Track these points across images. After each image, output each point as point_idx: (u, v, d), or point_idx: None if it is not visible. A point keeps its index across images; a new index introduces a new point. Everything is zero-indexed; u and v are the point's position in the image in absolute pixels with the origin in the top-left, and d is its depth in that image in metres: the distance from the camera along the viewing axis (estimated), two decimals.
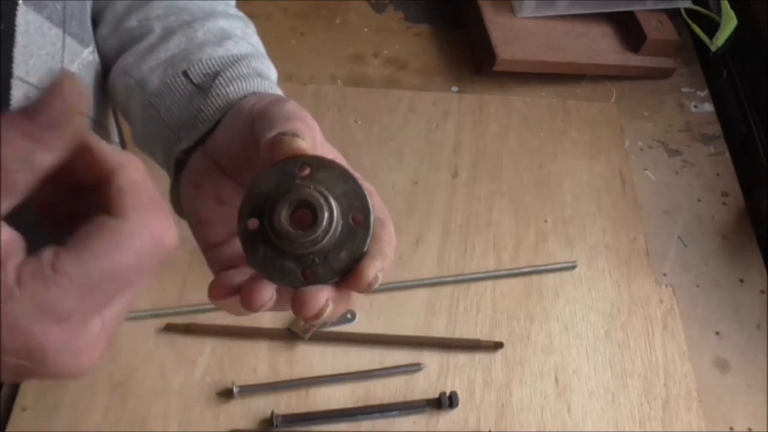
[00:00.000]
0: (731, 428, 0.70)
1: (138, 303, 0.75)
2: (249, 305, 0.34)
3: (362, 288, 0.33)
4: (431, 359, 0.73)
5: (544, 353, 0.74)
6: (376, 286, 0.33)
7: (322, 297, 0.33)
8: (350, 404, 0.69)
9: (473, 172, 0.89)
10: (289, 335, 0.73)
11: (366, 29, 1.06)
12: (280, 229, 0.32)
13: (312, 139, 0.35)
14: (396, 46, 1.04)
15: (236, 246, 0.38)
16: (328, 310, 0.33)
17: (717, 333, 0.77)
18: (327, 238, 0.33)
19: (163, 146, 0.46)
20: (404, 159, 0.89)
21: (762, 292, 0.80)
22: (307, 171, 0.33)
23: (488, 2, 1.01)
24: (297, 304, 0.33)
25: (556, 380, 0.72)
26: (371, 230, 0.33)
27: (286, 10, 1.07)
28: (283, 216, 0.32)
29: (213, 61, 0.47)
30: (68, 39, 0.47)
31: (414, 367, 0.72)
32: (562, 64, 0.98)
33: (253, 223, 0.33)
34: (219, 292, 0.36)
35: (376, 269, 0.33)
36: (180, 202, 0.44)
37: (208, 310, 0.75)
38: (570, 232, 0.84)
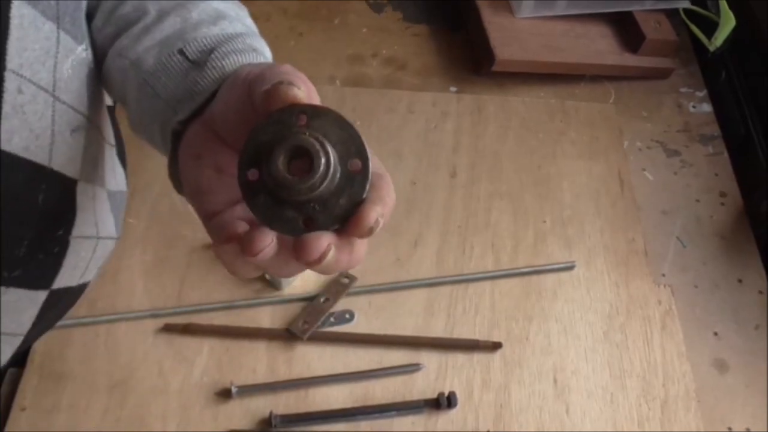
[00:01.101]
0: (730, 429, 0.70)
1: (136, 303, 0.75)
2: (249, 250, 0.34)
3: (363, 232, 0.33)
4: (430, 359, 0.73)
5: (543, 354, 0.74)
6: (377, 230, 0.33)
7: (324, 242, 0.33)
8: (349, 404, 0.69)
9: (472, 173, 0.89)
10: (288, 335, 0.73)
11: (365, 29, 1.06)
12: (277, 177, 0.32)
13: (309, 90, 0.35)
14: (395, 47, 1.04)
15: (237, 212, 0.38)
16: (330, 255, 0.33)
17: (715, 333, 0.77)
18: (325, 184, 0.32)
19: (159, 122, 0.46)
20: (403, 159, 0.89)
21: (760, 292, 0.80)
22: (304, 119, 0.33)
23: (487, 2, 1.01)
24: (299, 250, 0.33)
25: (555, 381, 0.72)
26: (370, 175, 0.33)
27: (285, 11, 1.07)
28: (280, 163, 0.32)
29: (208, 38, 0.47)
30: (62, 35, 0.48)
31: (412, 368, 0.72)
32: (560, 65, 0.98)
33: (253, 174, 0.33)
34: (222, 235, 0.36)
35: (376, 213, 0.33)
36: (178, 177, 0.44)
37: (207, 311, 0.75)
38: (569, 232, 0.84)
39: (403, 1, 1.11)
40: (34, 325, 0.57)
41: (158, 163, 0.74)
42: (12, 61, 0.44)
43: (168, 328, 0.73)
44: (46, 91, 0.47)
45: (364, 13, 1.08)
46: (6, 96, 0.44)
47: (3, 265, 0.49)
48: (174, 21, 0.49)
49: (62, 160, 0.50)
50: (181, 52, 0.47)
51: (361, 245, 0.35)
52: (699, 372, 0.74)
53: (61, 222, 0.53)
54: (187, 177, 0.42)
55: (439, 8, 1.10)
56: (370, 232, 0.33)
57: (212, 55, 0.45)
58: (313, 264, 0.33)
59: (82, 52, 0.51)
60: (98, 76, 0.54)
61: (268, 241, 0.33)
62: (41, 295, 0.54)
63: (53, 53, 0.47)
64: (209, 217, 0.40)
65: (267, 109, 0.34)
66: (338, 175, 0.33)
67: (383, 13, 1.09)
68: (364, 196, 0.33)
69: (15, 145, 0.46)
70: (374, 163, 0.36)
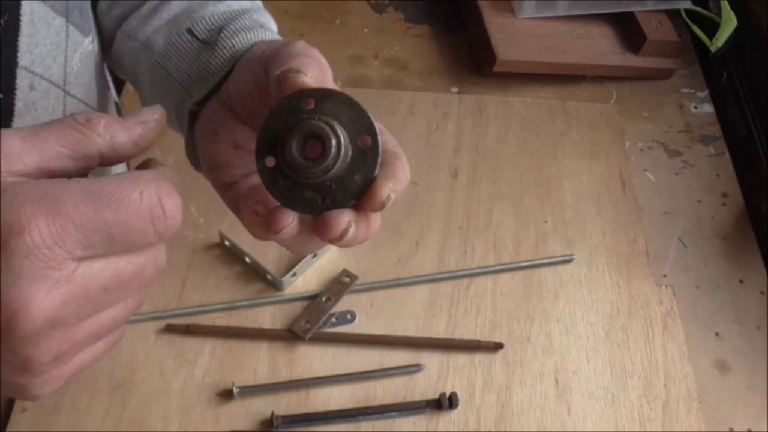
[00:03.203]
0: (731, 429, 0.70)
1: None
2: (272, 227, 0.35)
3: (376, 207, 0.35)
4: (431, 360, 0.73)
5: (544, 354, 0.74)
6: (389, 204, 0.35)
7: (344, 219, 0.34)
8: (350, 405, 0.69)
9: (473, 174, 0.89)
10: (290, 336, 0.73)
11: (366, 30, 1.06)
12: (292, 162, 0.34)
13: (320, 71, 0.36)
14: (396, 47, 1.04)
15: (252, 179, 0.40)
16: (351, 231, 0.35)
17: (717, 334, 0.77)
18: (338, 164, 0.34)
19: (174, 103, 0.47)
20: None
21: (762, 293, 0.80)
22: (312, 103, 0.35)
23: (488, 3, 1.01)
24: (321, 228, 0.34)
25: (556, 381, 0.72)
26: (380, 151, 0.35)
27: (286, 12, 1.07)
28: (294, 149, 0.34)
29: (216, 16, 0.48)
30: (71, 28, 0.48)
31: (414, 368, 0.72)
32: (562, 65, 0.98)
33: (270, 161, 0.35)
34: (246, 217, 0.37)
35: (388, 189, 0.35)
36: (195, 155, 0.46)
37: (208, 311, 0.75)
38: (570, 233, 0.84)
39: (405, 1, 1.11)
40: None
41: None
42: (24, 57, 0.44)
43: (169, 329, 0.73)
44: (58, 86, 0.48)
45: (365, 14, 1.08)
46: (18, 93, 0.44)
47: None
48: (180, 0, 0.49)
49: None
50: (190, 31, 0.47)
51: (376, 218, 0.37)
52: (700, 372, 0.74)
53: None
54: (204, 152, 0.43)
55: (440, 9, 1.10)
56: (382, 206, 0.35)
57: (222, 34, 0.46)
58: (336, 241, 0.35)
59: (89, 44, 0.51)
60: (104, 68, 0.54)
61: (290, 220, 0.35)
62: None
63: (63, 48, 0.47)
64: (226, 187, 0.42)
65: (279, 96, 0.35)
66: (350, 153, 0.34)
67: (384, 14, 1.09)
68: (377, 171, 0.35)
69: None
70: (389, 142, 0.38)
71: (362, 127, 0.35)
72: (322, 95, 0.35)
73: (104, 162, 0.33)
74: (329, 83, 0.38)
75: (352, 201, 0.35)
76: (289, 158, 0.34)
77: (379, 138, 0.35)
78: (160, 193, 0.31)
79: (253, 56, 0.42)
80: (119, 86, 0.84)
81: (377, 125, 0.36)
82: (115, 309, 0.33)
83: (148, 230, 0.31)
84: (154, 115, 0.34)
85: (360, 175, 0.35)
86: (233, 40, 0.46)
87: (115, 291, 0.31)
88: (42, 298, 0.28)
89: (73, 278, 0.29)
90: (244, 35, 0.46)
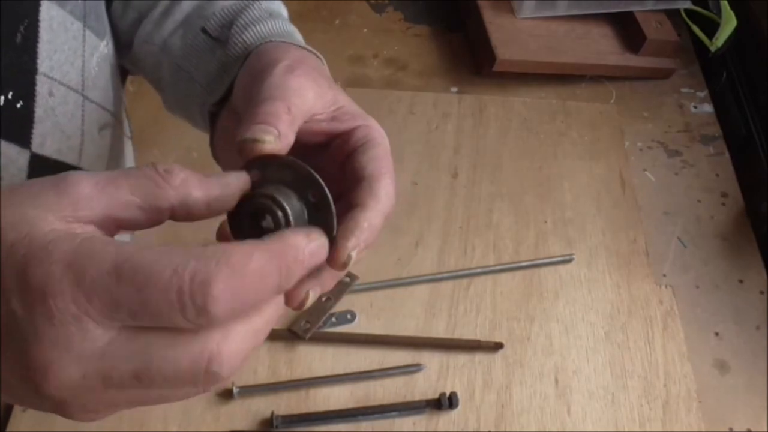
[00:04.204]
0: (731, 429, 0.70)
1: None
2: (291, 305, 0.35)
3: (338, 267, 0.34)
4: (431, 360, 0.73)
5: (544, 354, 0.74)
6: (352, 262, 0.34)
7: (302, 290, 0.34)
8: (350, 405, 0.69)
9: (473, 174, 0.89)
10: (290, 336, 0.73)
11: (365, 30, 1.06)
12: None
13: (286, 115, 0.36)
14: (396, 47, 1.04)
15: None
16: (311, 298, 0.34)
17: (716, 334, 0.77)
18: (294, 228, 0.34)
19: (198, 104, 0.48)
20: (404, 160, 0.89)
21: (762, 293, 0.80)
22: (257, 175, 0.35)
23: (488, 3, 1.01)
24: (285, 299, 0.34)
25: (556, 381, 0.72)
26: (331, 205, 0.34)
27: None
28: (247, 231, 0.34)
29: (226, 11, 0.48)
30: (87, 32, 0.48)
31: (414, 368, 0.72)
32: (561, 65, 0.98)
33: (236, 228, 0.36)
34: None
35: (347, 249, 0.34)
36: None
37: None
38: (570, 233, 0.84)
39: (404, 1, 1.11)
40: None
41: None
42: (43, 64, 0.44)
43: None
44: (76, 91, 0.48)
45: (365, 14, 1.08)
46: (38, 100, 0.44)
47: None
48: None
49: (91, 158, 0.50)
50: (204, 30, 0.48)
51: (343, 269, 0.36)
52: (700, 372, 0.74)
53: None
54: (218, 155, 0.45)
55: (440, 9, 1.10)
56: (344, 266, 0.34)
57: (232, 30, 0.46)
58: (296, 309, 0.34)
59: (104, 48, 0.51)
60: (119, 71, 0.55)
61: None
62: None
63: (80, 52, 0.47)
64: None
65: (241, 161, 0.35)
66: (305, 211, 0.35)
67: (384, 14, 1.09)
68: (335, 227, 0.34)
69: (48, 148, 0.46)
70: (373, 159, 0.37)
71: (309, 184, 0.35)
72: (263, 164, 0.35)
73: (174, 217, 0.32)
74: (305, 110, 0.38)
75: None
76: (244, 239, 0.33)
77: (328, 193, 0.34)
78: (197, 274, 0.27)
79: (249, 68, 0.42)
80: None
81: (360, 125, 0.37)
82: (155, 393, 0.30)
83: (174, 317, 0.27)
84: (238, 181, 0.34)
85: (322, 230, 0.34)
86: (244, 36, 0.46)
87: (146, 381, 0.28)
88: (63, 366, 0.27)
89: (99, 352, 0.27)
90: (253, 29, 0.46)
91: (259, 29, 0.46)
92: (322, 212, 0.34)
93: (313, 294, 0.34)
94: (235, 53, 0.46)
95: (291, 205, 0.34)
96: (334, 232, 0.35)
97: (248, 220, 0.34)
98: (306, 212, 0.35)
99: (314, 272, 0.34)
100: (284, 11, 0.51)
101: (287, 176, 0.35)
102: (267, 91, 0.38)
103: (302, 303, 0.34)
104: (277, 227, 0.34)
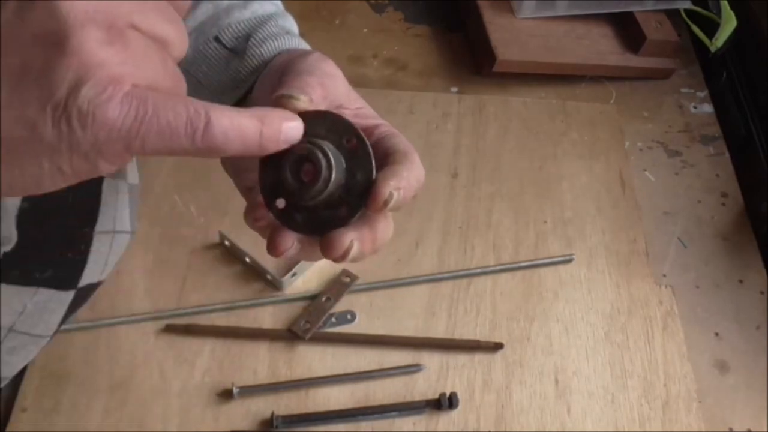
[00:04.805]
0: (731, 429, 0.70)
1: (137, 304, 0.75)
2: (273, 251, 0.36)
3: (379, 206, 0.35)
4: (431, 360, 0.73)
5: (544, 354, 0.74)
6: (394, 203, 0.35)
7: (346, 239, 0.35)
8: (350, 405, 0.69)
9: (473, 173, 0.89)
10: (289, 336, 0.73)
11: (365, 30, 1.06)
12: (294, 192, 0.35)
13: (321, 89, 0.38)
14: (395, 47, 1.04)
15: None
16: (354, 249, 0.35)
17: (716, 334, 0.77)
18: (334, 173, 0.35)
19: None
20: None
21: (762, 293, 0.80)
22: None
23: (488, 3, 1.01)
24: (324, 249, 0.35)
25: (556, 381, 0.72)
26: (369, 147, 0.36)
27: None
28: (290, 178, 0.35)
29: (242, 24, 0.49)
30: None
31: (413, 368, 0.72)
32: (561, 65, 0.98)
33: (280, 203, 0.36)
34: (254, 223, 0.39)
35: (389, 187, 0.35)
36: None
37: (208, 311, 0.75)
38: (570, 233, 0.84)
39: (404, 1, 1.11)
40: (60, 325, 0.57)
41: (158, 163, 0.75)
42: None
43: (169, 329, 0.73)
44: None
45: (365, 14, 1.08)
46: None
47: (35, 266, 0.49)
48: (206, 8, 0.50)
49: None
50: (217, 39, 0.48)
51: (384, 230, 0.37)
52: (700, 372, 0.74)
53: (88, 218, 0.53)
54: (228, 158, 0.45)
55: (440, 9, 1.10)
56: (386, 205, 0.35)
57: (249, 42, 0.47)
58: (340, 259, 0.35)
59: None
60: None
61: (289, 244, 0.36)
62: (69, 295, 0.54)
63: None
64: (248, 190, 0.43)
65: None
66: (342, 158, 0.36)
67: (384, 14, 1.09)
68: (374, 166, 0.36)
69: None
70: (400, 143, 0.39)
71: (343, 130, 0.36)
72: (309, 116, 0.36)
73: None
74: (336, 95, 0.39)
75: (364, 200, 0.36)
76: (291, 189, 0.35)
77: (363, 135, 0.36)
78: None
79: (273, 67, 0.43)
80: None
81: (383, 123, 0.38)
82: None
83: None
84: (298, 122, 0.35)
85: (360, 174, 0.36)
86: (261, 49, 0.47)
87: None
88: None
89: None
90: (271, 43, 0.47)
91: (276, 44, 0.47)
92: (360, 156, 0.36)
93: (357, 246, 0.35)
94: (251, 65, 0.47)
95: (330, 150, 0.35)
96: (374, 174, 0.36)
97: (288, 171, 0.35)
98: (343, 160, 0.36)
99: (357, 224, 0.35)
100: (295, 28, 0.52)
101: (321, 129, 0.36)
102: (303, 67, 0.39)
103: (346, 253, 0.35)
104: (317, 173, 0.34)
